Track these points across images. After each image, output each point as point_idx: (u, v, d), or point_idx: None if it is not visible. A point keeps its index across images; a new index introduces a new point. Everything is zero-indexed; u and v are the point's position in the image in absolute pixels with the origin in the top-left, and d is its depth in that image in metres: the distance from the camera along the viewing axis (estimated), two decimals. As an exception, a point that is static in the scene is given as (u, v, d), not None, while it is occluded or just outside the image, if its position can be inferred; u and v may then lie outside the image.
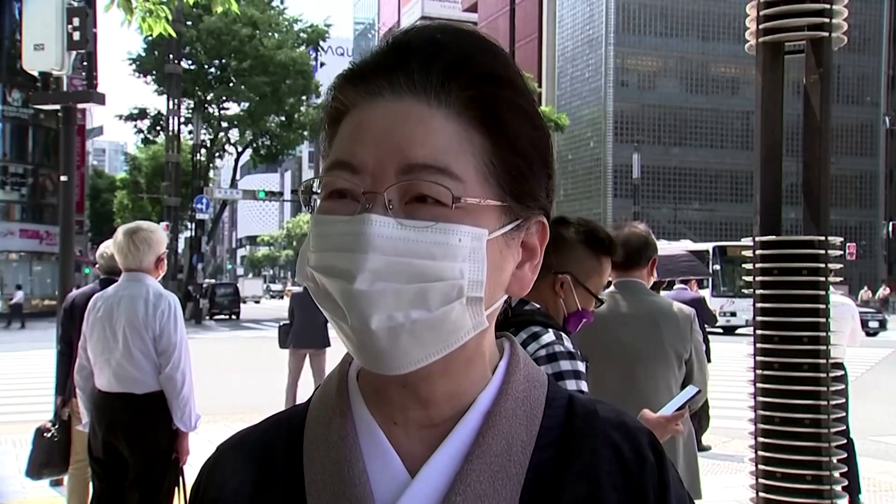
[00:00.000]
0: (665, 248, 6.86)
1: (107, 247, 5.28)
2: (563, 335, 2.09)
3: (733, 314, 24.57)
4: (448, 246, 0.70)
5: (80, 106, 8.17)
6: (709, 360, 7.52)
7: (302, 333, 9.68)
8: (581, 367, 2.03)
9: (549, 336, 2.04)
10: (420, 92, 0.72)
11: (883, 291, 43.06)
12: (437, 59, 0.73)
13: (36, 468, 5.17)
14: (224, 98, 40.79)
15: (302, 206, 0.77)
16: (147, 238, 4.07)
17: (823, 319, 3.15)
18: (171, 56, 31.46)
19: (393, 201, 0.70)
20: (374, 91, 0.74)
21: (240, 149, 43.98)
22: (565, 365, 1.99)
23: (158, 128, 40.52)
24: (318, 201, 0.75)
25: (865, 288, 43.94)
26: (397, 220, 0.69)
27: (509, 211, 0.75)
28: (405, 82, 0.73)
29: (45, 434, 5.15)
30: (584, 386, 2.00)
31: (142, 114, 41.41)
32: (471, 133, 0.73)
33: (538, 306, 2.17)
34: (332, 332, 9.85)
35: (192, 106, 39.03)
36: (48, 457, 5.12)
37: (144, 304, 3.98)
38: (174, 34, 9.26)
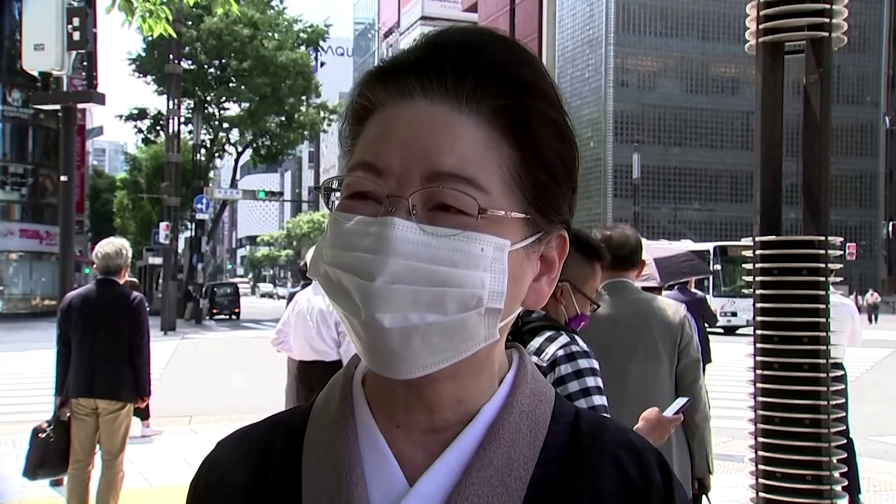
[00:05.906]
0: (663, 248, 6.84)
1: (102, 247, 5.29)
2: (576, 336, 2.26)
3: (734, 314, 24.59)
4: (470, 254, 0.69)
5: (80, 106, 8.19)
6: (709, 360, 7.55)
7: (302, 333, 9.67)
8: (596, 364, 2.19)
9: (563, 338, 2.21)
10: (451, 97, 0.71)
11: (871, 297, 39.68)
12: (470, 64, 0.72)
13: (31, 468, 5.15)
14: (224, 98, 40.80)
15: (320, 203, 0.76)
16: None
17: (823, 319, 3.15)
18: (171, 56, 31.34)
19: (417, 207, 0.69)
20: (403, 92, 0.72)
21: (240, 149, 43.98)
22: (583, 363, 2.16)
23: (158, 128, 40.53)
24: (339, 199, 0.74)
25: (854, 293, 41.35)
26: (420, 225, 0.68)
27: (532, 223, 0.74)
28: (437, 86, 0.71)
29: (40, 434, 5.14)
30: (600, 382, 2.17)
31: (142, 114, 41.46)
32: (499, 142, 0.72)
33: (543, 313, 2.30)
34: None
35: (192, 106, 39.01)
36: (43, 457, 5.11)
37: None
38: (174, 34, 9.25)
